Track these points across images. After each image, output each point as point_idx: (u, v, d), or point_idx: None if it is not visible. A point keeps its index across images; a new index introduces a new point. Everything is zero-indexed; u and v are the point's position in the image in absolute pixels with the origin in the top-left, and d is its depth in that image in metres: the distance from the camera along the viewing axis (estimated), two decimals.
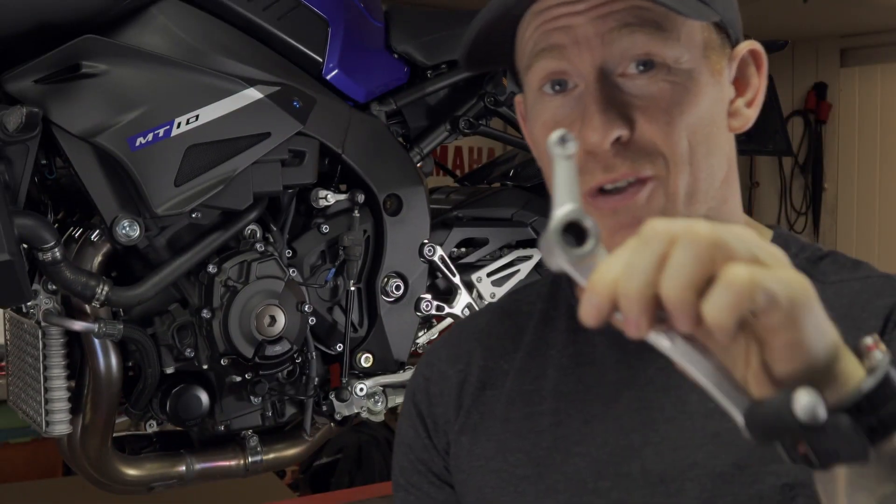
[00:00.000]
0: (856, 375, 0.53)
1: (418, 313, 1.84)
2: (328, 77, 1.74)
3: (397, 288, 1.81)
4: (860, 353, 0.55)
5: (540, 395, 0.82)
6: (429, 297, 1.85)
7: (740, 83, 0.79)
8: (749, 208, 5.14)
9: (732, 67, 0.78)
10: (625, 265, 0.50)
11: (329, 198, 1.74)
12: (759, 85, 0.80)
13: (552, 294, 0.87)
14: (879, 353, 0.54)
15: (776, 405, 0.49)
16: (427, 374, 0.89)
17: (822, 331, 0.53)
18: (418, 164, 1.88)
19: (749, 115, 0.79)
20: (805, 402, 0.48)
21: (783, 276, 0.50)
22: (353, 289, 1.77)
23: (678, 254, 0.49)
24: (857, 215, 5.06)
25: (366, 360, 1.80)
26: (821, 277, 0.78)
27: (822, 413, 0.48)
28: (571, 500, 0.78)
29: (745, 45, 0.79)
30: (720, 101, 0.76)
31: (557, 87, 0.74)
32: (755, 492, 0.72)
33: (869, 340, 0.56)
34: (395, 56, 1.88)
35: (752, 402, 0.51)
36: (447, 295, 1.89)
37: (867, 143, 5.00)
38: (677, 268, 0.49)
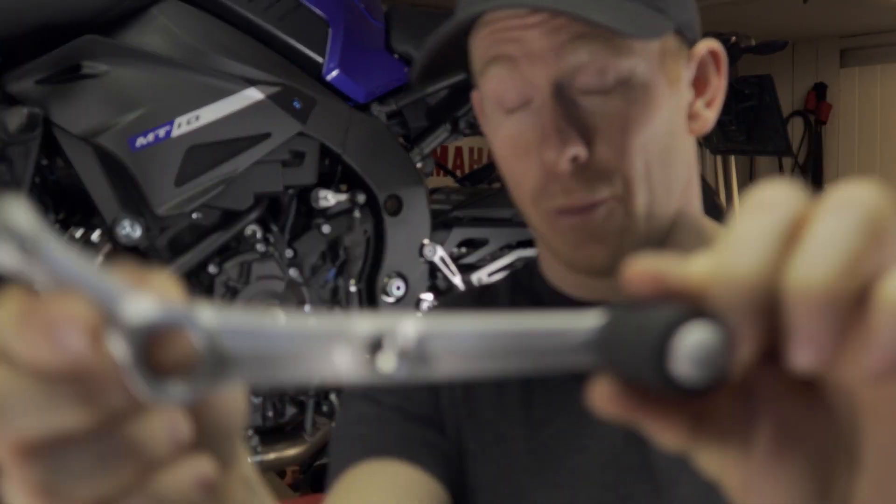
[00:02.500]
0: None
1: (419, 313, 1.85)
2: (328, 77, 1.74)
3: (398, 288, 1.81)
4: None
5: (532, 384, 0.81)
6: (429, 297, 1.85)
7: (699, 83, 0.77)
8: None
9: (691, 68, 0.76)
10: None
11: (329, 198, 1.74)
12: (718, 84, 0.78)
13: (513, 288, 0.86)
14: None
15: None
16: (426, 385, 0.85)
17: None
18: (418, 165, 1.88)
19: (708, 117, 0.77)
20: (695, 339, 0.29)
21: None
22: (353, 289, 1.77)
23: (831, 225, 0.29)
24: None
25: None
26: None
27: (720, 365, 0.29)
28: (573, 493, 0.77)
29: (704, 45, 0.76)
30: (678, 109, 0.75)
31: (516, 104, 0.74)
32: None
33: None
34: (396, 56, 1.88)
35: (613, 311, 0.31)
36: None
37: (867, 144, 5.00)
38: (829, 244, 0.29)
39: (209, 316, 0.29)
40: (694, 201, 0.79)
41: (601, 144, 0.71)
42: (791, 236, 0.29)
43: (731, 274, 0.29)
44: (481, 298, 0.89)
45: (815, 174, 5.16)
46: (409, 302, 1.83)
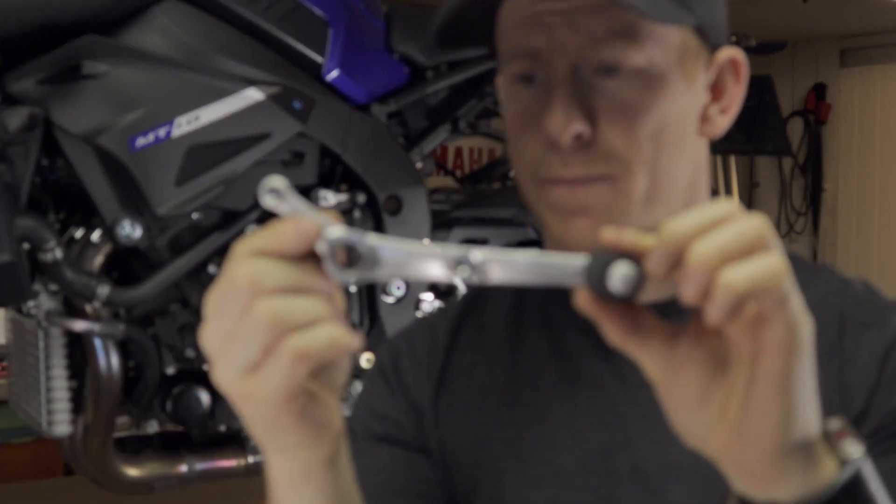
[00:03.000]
0: (826, 465, 0.54)
1: (419, 313, 1.85)
2: (328, 78, 1.74)
3: (398, 288, 1.81)
4: (828, 437, 0.56)
5: (516, 386, 0.81)
6: (429, 297, 1.85)
7: (717, 89, 0.78)
8: (749, 208, 5.13)
9: (711, 72, 0.77)
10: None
11: (329, 198, 1.74)
12: (735, 94, 0.79)
13: (521, 301, 0.85)
14: (853, 446, 0.55)
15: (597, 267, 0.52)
16: (395, 352, 0.86)
17: (807, 390, 0.53)
18: (418, 165, 1.89)
19: (722, 124, 0.78)
20: (621, 272, 0.51)
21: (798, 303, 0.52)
22: (353, 289, 1.77)
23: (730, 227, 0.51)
24: (857, 215, 5.06)
25: (366, 360, 1.80)
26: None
27: (634, 284, 0.51)
28: (556, 494, 0.77)
29: (727, 53, 0.77)
30: (691, 107, 0.76)
31: (530, 79, 0.75)
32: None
33: (836, 425, 0.56)
34: (396, 56, 1.88)
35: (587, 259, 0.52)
36: (448, 295, 1.89)
37: (867, 144, 5.00)
38: (722, 234, 0.50)
39: (370, 237, 0.53)
40: (697, 204, 0.77)
41: (608, 127, 0.72)
42: (704, 230, 0.50)
43: (658, 243, 0.51)
44: (480, 296, 0.89)
45: (814, 174, 5.16)
46: (409, 302, 1.83)
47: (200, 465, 1.75)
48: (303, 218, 0.52)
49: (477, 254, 0.52)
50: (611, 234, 0.52)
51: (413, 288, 1.83)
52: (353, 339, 0.52)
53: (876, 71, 4.96)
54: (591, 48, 0.72)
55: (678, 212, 0.74)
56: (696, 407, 0.54)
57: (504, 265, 0.52)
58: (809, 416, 0.54)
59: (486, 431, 0.81)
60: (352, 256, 0.53)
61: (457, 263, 0.52)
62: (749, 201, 5.18)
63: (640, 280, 0.51)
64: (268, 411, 0.54)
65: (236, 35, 1.65)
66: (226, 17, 1.64)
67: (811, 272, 0.80)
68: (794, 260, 0.81)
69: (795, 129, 5.04)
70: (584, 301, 0.53)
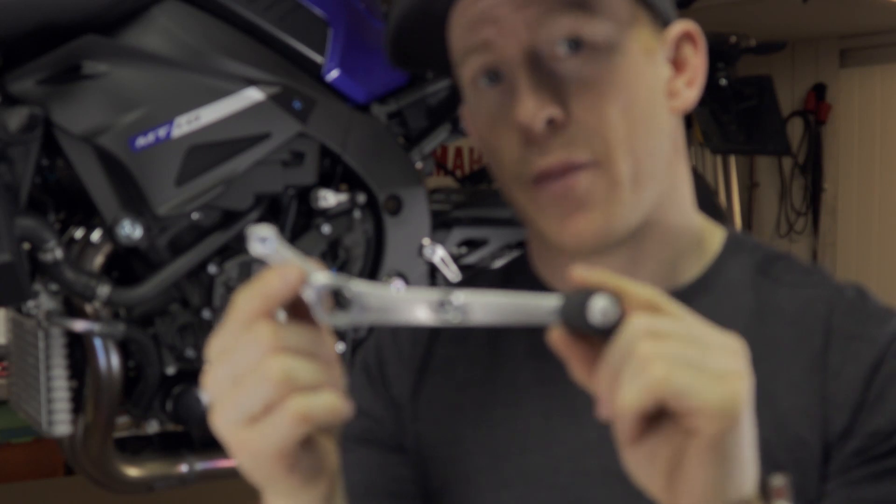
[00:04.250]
0: None
1: None
2: (329, 78, 1.74)
3: (397, 288, 1.81)
4: (767, 492, 0.58)
5: (493, 384, 0.80)
6: None
7: (678, 63, 0.77)
8: (749, 208, 5.14)
9: (668, 47, 0.76)
10: None
11: (329, 198, 1.74)
12: (697, 65, 0.77)
13: (504, 284, 0.85)
14: None
15: (576, 303, 0.55)
16: (378, 344, 0.87)
17: (742, 455, 0.55)
18: (418, 165, 1.88)
19: (689, 96, 0.77)
20: (600, 305, 0.54)
21: (712, 378, 0.52)
22: None
23: None
24: (857, 215, 5.06)
25: None
26: (775, 276, 0.79)
27: (613, 317, 0.54)
28: (526, 494, 0.76)
29: (679, 26, 0.77)
30: (655, 80, 0.74)
31: (493, 79, 0.74)
32: None
33: (778, 482, 0.58)
34: None
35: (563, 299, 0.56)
36: None
37: (867, 144, 5.00)
38: None
39: (355, 284, 0.55)
40: (682, 187, 0.79)
41: (579, 106, 0.71)
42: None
43: (627, 288, 0.55)
44: (473, 282, 0.89)
45: (814, 174, 5.16)
46: None
47: (200, 465, 1.75)
48: (290, 266, 0.55)
49: (458, 296, 0.55)
50: (581, 273, 0.55)
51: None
52: (349, 408, 0.56)
53: (876, 71, 4.96)
54: (545, 24, 0.70)
55: (666, 195, 0.76)
56: (640, 450, 0.56)
57: (484, 307, 0.56)
58: (744, 479, 0.55)
59: (460, 428, 0.80)
60: (339, 301, 0.56)
61: (440, 306, 0.56)
62: (749, 201, 5.18)
63: (618, 313, 0.54)
64: (262, 462, 0.57)
65: (236, 35, 1.65)
66: (226, 17, 1.64)
67: (803, 273, 0.80)
68: (787, 259, 0.82)
69: (795, 129, 5.04)
70: (557, 339, 0.56)
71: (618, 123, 0.71)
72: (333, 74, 1.74)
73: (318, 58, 1.72)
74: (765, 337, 0.75)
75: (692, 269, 0.79)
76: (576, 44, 0.71)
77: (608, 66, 0.71)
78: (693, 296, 0.76)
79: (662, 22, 0.76)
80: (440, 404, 0.82)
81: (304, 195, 1.76)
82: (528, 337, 0.78)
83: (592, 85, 0.71)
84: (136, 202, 1.55)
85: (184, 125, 1.55)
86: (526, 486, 0.77)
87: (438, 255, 1.84)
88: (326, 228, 1.75)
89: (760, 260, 0.80)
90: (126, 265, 1.67)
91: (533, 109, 0.70)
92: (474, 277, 0.92)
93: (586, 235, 0.73)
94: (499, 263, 1.95)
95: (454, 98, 1.96)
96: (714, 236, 0.81)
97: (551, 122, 0.70)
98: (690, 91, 0.77)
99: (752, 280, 0.78)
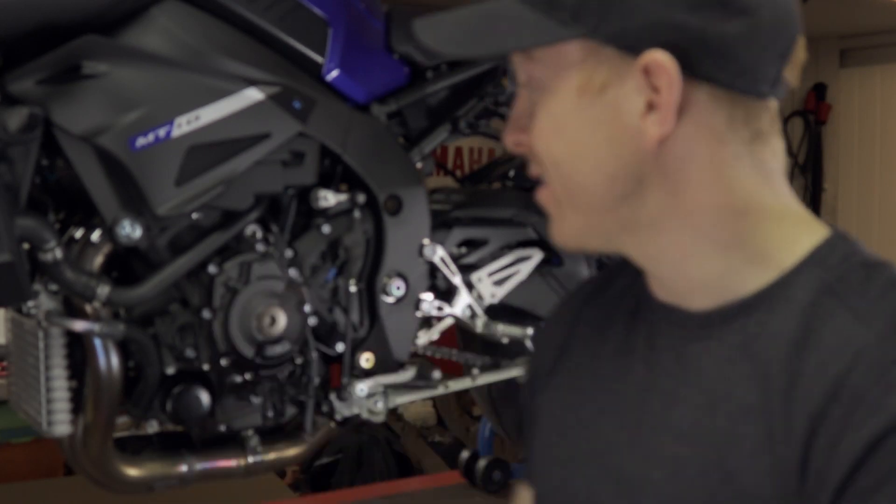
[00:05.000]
0: None
1: (419, 313, 1.84)
2: (328, 78, 1.74)
3: (398, 288, 1.81)
4: None
5: (587, 372, 0.89)
6: (429, 297, 1.85)
7: (651, 94, 0.74)
8: None
9: (634, 78, 0.74)
10: None
11: (329, 198, 1.74)
12: (661, 100, 0.73)
13: (634, 281, 0.88)
14: None
15: None
16: (541, 327, 1.05)
17: None
18: (418, 165, 1.88)
19: (652, 133, 0.74)
20: None
21: None
22: (353, 289, 1.77)
23: None
24: (857, 215, 5.06)
25: (366, 360, 1.80)
26: (843, 297, 0.73)
27: None
28: (574, 472, 0.85)
29: (643, 59, 0.73)
30: (594, 117, 0.76)
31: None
32: None
33: None
34: (396, 57, 1.88)
35: None
36: (447, 295, 1.89)
37: (867, 144, 5.00)
38: None
39: None
40: (680, 236, 0.78)
41: (530, 134, 0.80)
42: None
43: None
44: (606, 278, 0.96)
45: (814, 174, 5.16)
46: (409, 302, 1.83)
47: (200, 465, 1.75)
48: None
49: None
50: None
51: (413, 288, 1.83)
52: None
53: (876, 71, 4.95)
54: (517, 65, 0.81)
55: (645, 239, 0.81)
56: None
57: None
58: None
59: (556, 407, 0.90)
60: None
61: None
62: None
63: None
64: None
65: (236, 35, 1.64)
66: (226, 17, 1.64)
67: (878, 297, 0.72)
68: (875, 272, 0.74)
69: (795, 129, 5.04)
70: None
71: (547, 153, 0.79)
72: (333, 74, 1.74)
73: (318, 58, 1.72)
74: (796, 373, 0.71)
75: (754, 279, 0.77)
76: (527, 82, 0.80)
77: (541, 103, 0.78)
78: (744, 310, 0.76)
79: (631, 50, 0.73)
80: (561, 384, 0.92)
81: (304, 195, 1.76)
82: (624, 334, 0.86)
83: (532, 117, 0.79)
84: (135, 202, 1.55)
85: (184, 125, 1.55)
86: (571, 470, 0.85)
87: (438, 255, 1.84)
88: (326, 228, 1.75)
89: (840, 274, 0.75)
90: (126, 265, 1.67)
91: (505, 134, 0.83)
92: (617, 267, 0.93)
93: (559, 239, 0.83)
94: (499, 263, 1.95)
95: (454, 98, 1.96)
96: (798, 245, 0.77)
97: (518, 145, 0.82)
98: (655, 127, 0.74)
99: (814, 301, 0.73)
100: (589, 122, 0.76)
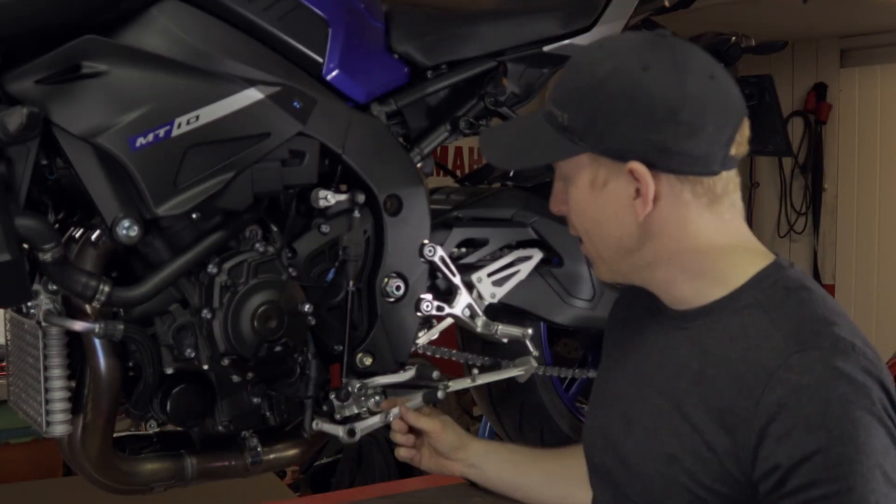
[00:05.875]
0: None
1: (418, 313, 1.84)
2: (328, 77, 1.74)
3: (397, 288, 1.81)
4: None
5: (621, 344, 1.31)
6: (429, 297, 1.85)
7: (637, 184, 1.11)
8: (749, 208, 5.14)
9: (624, 176, 1.12)
10: None
11: (329, 198, 1.74)
12: (644, 192, 1.11)
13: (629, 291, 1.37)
14: None
15: None
16: (614, 304, 1.42)
17: None
18: (418, 165, 1.88)
19: (640, 211, 1.12)
20: None
21: None
22: (353, 289, 1.77)
23: None
24: (857, 215, 5.06)
25: (366, 360, 1.80)
26: (766, 306, 1.10)
27: None
28: (599, 413, 1.31)
29: (630, 164, 1.10)
30: (603, 202, 1.15)
31: None
32: None
33: None
34: (396, 57, 1.88)
35: None
36: (447, 295, 1.89)
37: (867, 144, 5.00)
38: None
39: None
40: (670, 272, 1.17)
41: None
42: None
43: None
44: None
45: (815, 174, 5.16)
46: (409, 302, 1.83)
47: (200, 465, 1.75)
48: None
49: None
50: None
51: (413, 288, 1.83)
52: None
53: (876, 71, 4.96)
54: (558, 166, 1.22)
55: (647, 273, 1.20)
56: None
57: None
58: None
59: (602, 368, 1.37)
60: None
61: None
62: (749, 201, 5.18)
63: None
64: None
65: (236, 35, 1.64)
66: (226, 17, 1.63)
67: (793, 311, 1.14)
68: (808, 292, 1.14)
69: (795, 129, 5.04)
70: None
71: (578, 225, 1.21)
72: (333, 74, 1.74)
73: (317, 58, 1.72)
74: (702, 375, 1.13)
75: (713, 295, 1.15)
76: (560, 175, 1.21)
77: (569, 191, 1.19)
78: (705, 313, 1.16)
79: (621, 160, 1.11)
80: (607, 352, 1.38)
81: (304, 195, 1.76)
82: (642, 323, 1.27)
83: (568, 199, 1.20)
84: (135, 202, 1.55)
85: (183, 125, 1.55)
86: (601, 410, 1.30)
87: (438, 255, 1.84)
88: (326, 228, 1.75)
89: (767, 294, 1.12)
90: (126, 265, 1.67)
91: (551, 205, 1.24)
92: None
93: (600, 278, 1.38)
94: (499, 263, 1.95)
95: (454, 98, 1.95)
96: (745, 272, 1.14)
97: (560, 212, 1.23)
98: (641, 208, 1.12)
99: (747, 310, 1.12)
100: (599, 205, 1.15)
